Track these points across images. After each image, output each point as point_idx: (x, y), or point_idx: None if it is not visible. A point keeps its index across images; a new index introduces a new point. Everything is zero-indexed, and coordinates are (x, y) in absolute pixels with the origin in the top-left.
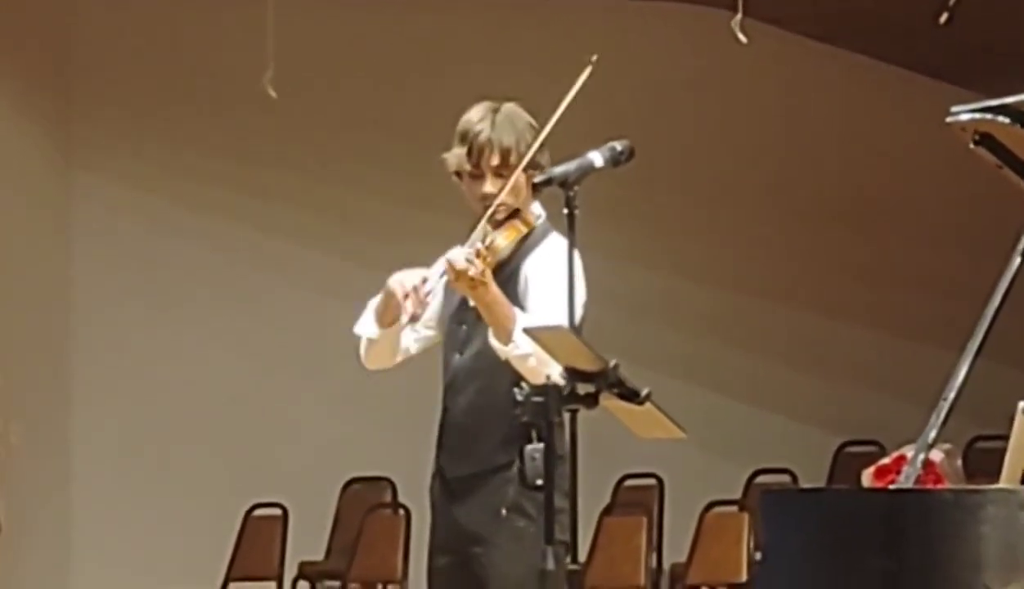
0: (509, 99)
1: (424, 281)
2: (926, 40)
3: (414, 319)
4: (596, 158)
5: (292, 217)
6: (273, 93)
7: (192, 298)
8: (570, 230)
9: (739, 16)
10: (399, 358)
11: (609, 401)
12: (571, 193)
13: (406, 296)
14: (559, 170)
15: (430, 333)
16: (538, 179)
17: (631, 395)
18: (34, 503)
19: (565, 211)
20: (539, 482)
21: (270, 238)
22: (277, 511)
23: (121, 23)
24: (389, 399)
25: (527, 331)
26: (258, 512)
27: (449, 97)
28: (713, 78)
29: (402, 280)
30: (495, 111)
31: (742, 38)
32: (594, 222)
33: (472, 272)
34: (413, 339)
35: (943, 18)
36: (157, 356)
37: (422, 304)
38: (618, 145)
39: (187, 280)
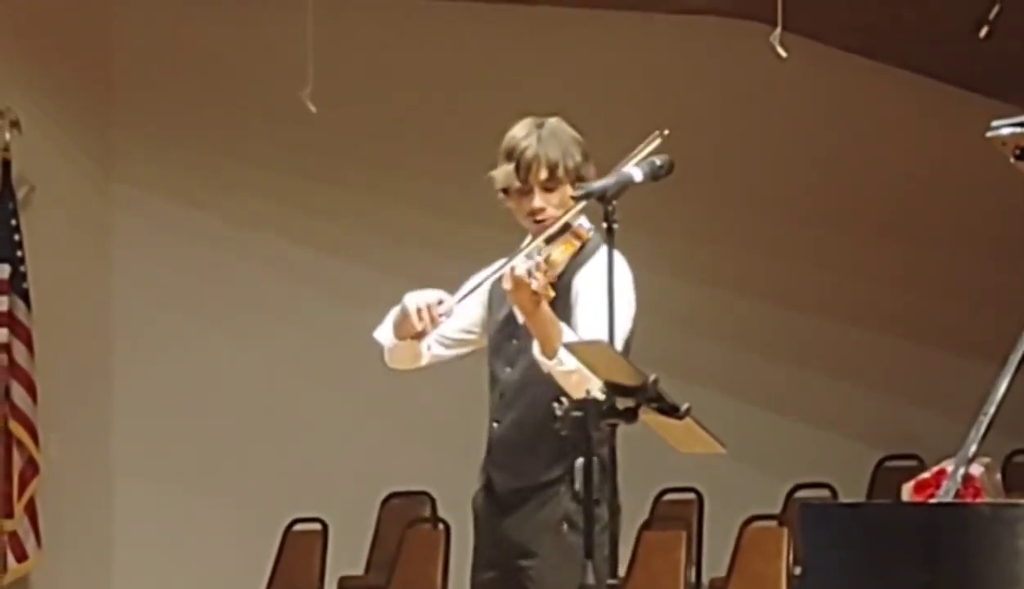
0: (549, 111)
1: (440, 302)
2: (965, 53)
3: (421, 335)
4: (635, 173)
5: (334, 230)
6: (312, 108)
7: (233, 311)
8: (609, 244)
9: (779, 30)
10: (424, 362)
11: (648, 416)
12: (610, 207)
13: (419, 312)
14: (598, 185)
15: (467, 337)
16: (576, 193)
17: (670, 410)
18: (74, 516)
19: (604, 225)
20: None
21: (311, 251)
22: (317, 526)
23: (161, 37)
24: (428, 413)
25: (567, 345)
26: (298, 527)
27: (489, 109)
28: (751, 91)
29: (416, 299)
30: (539, 126)
31: (782, 53)
32: (633, 234)
33: (535, 285)
34: (439, 344)
35: (983, 31)
36: (197, 369)
37: (433, 322)
38: (657, 159)
39: (228, 293)
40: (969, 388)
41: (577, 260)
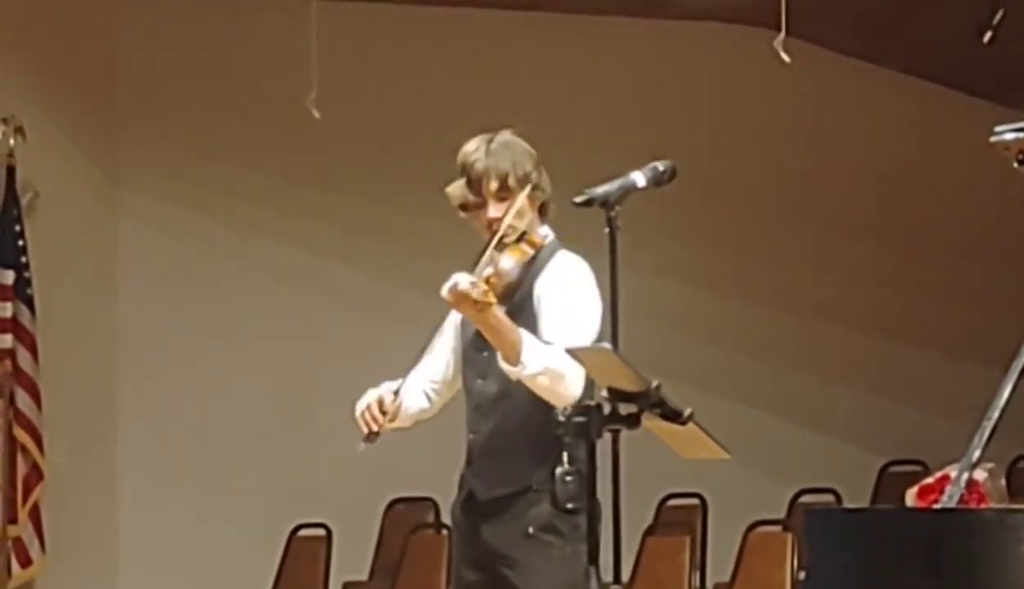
0: (553, 117)
1: (380, 400)
2: (969, 58)
3: (369, 439)
4: (638, 178)
5: (339, 237)
6: (317, 113)
7: (237, 319)
8: (612, 250)
9: (782, 35)
10: (434, 412)
11: (652, 421)
12: (612, 213)
13: (362, 417)
14: (600, 190)
15: (446, 380)
16: (579, 199)
17: (673, 415)
18: (78, 522)
19: (607, 231)
20: (570, 505)
21: (316, 258)
22: (321, 532)
23: (165, 43)
24: (432, 420)
25: (569, 351)
26: (302, 533)
27: (493, 115)
28: (754, 95)
29: (360, 404)
30: (490, 140)
31: (785, 58)
32: (635, 240)
33: (475, 294)
34: (435, 393)
35: (986, 36)
36: (201, 375)
37: (376, 422)
38: (660, 165)
39: (233, 300)
40: (973, 393)
41: (535, 267)
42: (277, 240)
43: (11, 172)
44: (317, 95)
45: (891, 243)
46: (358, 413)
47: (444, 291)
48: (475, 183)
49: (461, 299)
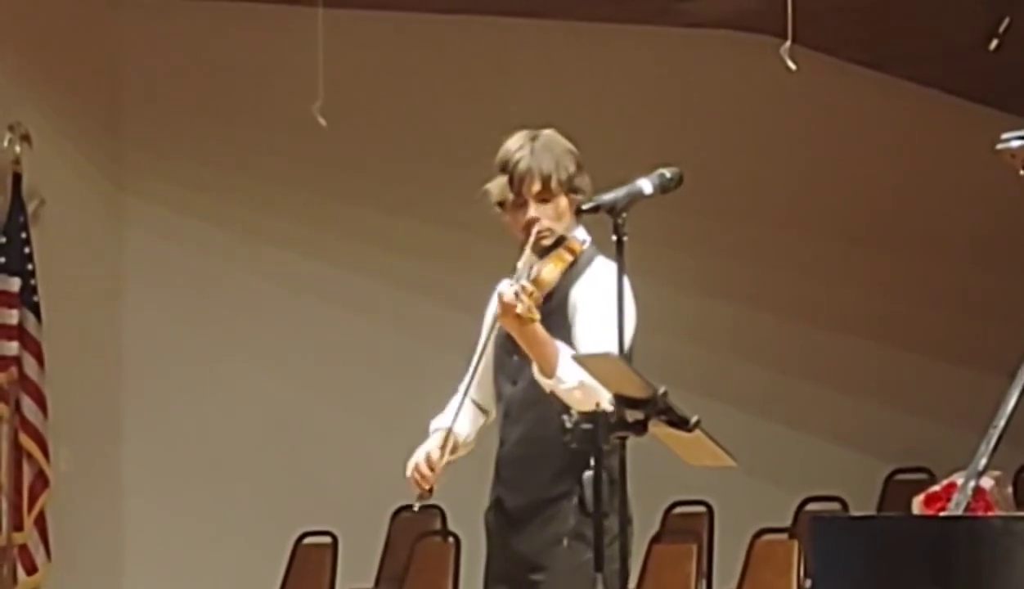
0: (560, 123)
1: (427, 456)
2: (975, 66)
3: (423, 497)
4: (645, 185)
5: (343, 244)
6: (323, 121)
7: (243, 325)
8: (619, 256)
9: (788, 43)
10: (490, 421)
11: (658, 428)
12: (620, 220)
13: (412, 477)
14: (608, 197)
15: (487, 399)
16: (586, 205)
17: (680, 422)
18: (84, 529)
19: (614, 237)
20: None
21: (323, 266)
22: (327, 539)
23: (170, 50)
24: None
25: (576, 358)
26: (308, 540)
27: (499, 123)
28: (761, 103)
29: (409, 465)
30: (533, 139)
31: (791, 65)
32: (642, 247)
33: (520, 309)
34: (481, 412)
35: (993, 44)
36: (207, 383)
37: (426, 480)
38: (667, 172)
39: (238, 307)
40: (980, 401)
41: (572, 274)
42: (284, 248)
43: (17, 179)
44: (323, 103)
45: (898, 251)
46: (408, 473)
47: (497, 302)
48: (517, 183)
49: (506, 310)
